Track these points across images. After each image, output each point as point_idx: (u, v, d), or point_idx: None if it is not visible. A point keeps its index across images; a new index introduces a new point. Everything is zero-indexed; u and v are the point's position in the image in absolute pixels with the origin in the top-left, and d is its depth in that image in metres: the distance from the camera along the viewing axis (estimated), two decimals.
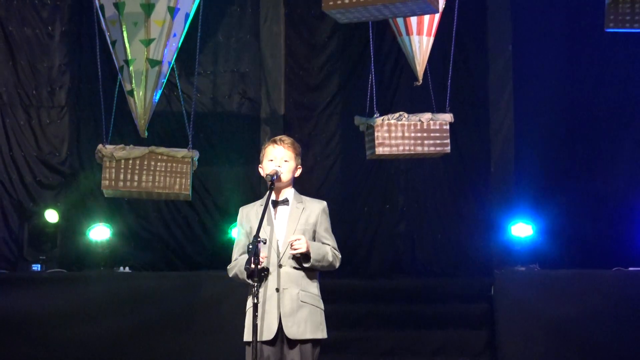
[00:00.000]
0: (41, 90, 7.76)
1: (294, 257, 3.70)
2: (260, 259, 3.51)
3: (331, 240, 3.84)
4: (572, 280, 6.46)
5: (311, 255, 3.67)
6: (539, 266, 6.93)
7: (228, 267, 3.86)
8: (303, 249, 3.64)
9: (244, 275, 3.62)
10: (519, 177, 7.48)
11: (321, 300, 3.79)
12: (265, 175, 3.79)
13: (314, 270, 3.76)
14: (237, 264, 3.76)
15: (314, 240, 3.81)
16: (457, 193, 7.78)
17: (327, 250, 3.76)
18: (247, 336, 3.67)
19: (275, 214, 3.79)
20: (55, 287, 6.52)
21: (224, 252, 7.41)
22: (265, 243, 3.55)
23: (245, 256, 3.69)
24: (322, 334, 3.74)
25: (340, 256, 3.83)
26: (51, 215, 7.28)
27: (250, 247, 3.47)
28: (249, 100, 7.81)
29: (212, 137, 7.78)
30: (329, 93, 7.90)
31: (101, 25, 5.98)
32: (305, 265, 3.69)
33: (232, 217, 7.45)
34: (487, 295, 6.95)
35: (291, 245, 3.65)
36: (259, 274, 3.50)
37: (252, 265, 3.47)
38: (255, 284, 3.49)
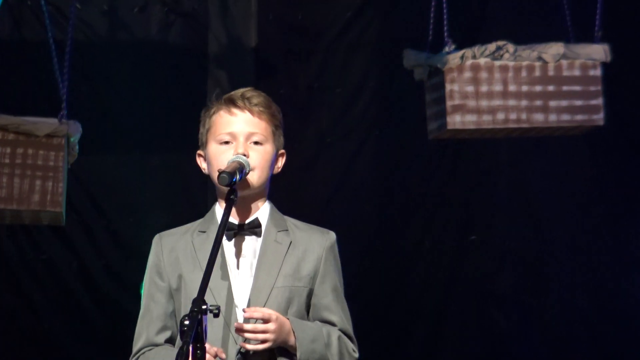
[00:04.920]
0: None
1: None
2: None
3: (339, 315, 3.88)
4: None
5: (297, 349, 3.71)
6: None
7: None
8: (268, 342, 3.68)
9: None
10: None
11: None
12: (215, 175, 3.78)
13: None
14: None
15: (308, 312, 3.84)
16: (615, 211, 7.84)
17: (331, 340, 3.78)
18: None
19: (234, 254, 3.84)
20: None
21: (132, 331, 7.55)
22: (217, 315, 3.57)
23: (166, 349, 3.75)
24: None
25: (357, 354, 3.87)
26: None
27: (187, 323, 3.47)
28: (184, 17, 7.88)
29: (111, 94, 7.85)
30: (351, 2, 7.92)
31: None
32: None
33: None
34: None
35: (240, 330, 3.68)
36: None
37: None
38: None
